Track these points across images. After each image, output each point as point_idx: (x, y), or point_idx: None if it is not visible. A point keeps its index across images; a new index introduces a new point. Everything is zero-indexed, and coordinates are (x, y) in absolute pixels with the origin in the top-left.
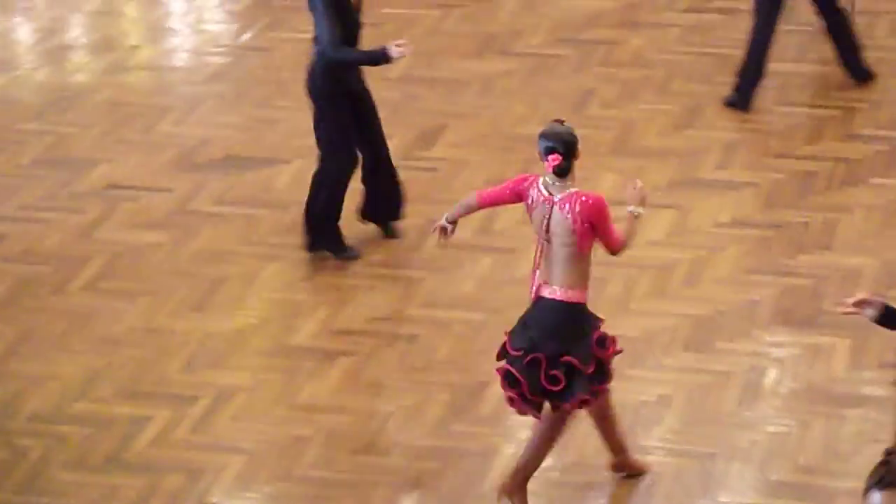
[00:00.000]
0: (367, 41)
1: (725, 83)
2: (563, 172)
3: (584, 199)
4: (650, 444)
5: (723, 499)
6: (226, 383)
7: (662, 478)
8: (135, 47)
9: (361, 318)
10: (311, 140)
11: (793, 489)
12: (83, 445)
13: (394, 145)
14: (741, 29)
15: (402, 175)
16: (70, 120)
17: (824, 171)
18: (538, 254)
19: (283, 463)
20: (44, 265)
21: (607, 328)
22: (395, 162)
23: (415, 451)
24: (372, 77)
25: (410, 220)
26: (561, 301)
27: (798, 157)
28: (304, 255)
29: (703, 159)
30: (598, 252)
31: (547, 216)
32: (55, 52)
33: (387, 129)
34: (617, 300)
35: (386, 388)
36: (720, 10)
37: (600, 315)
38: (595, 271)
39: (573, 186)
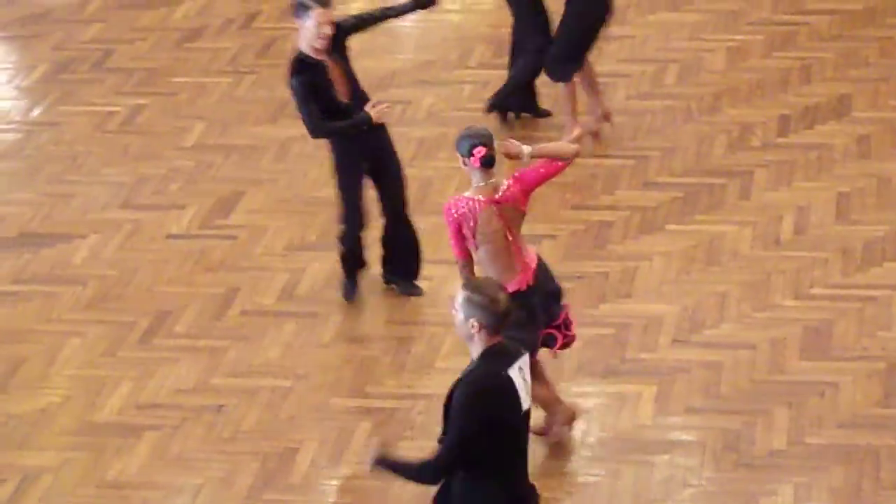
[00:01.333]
0: (159, 109)
1: (517, 137)
2: (490, 161)
3: (511, 183)
4: None
5: None
6: (31, 464)
7: None
8: None
9: (166, 391)
10: (108, 214)
11: None
12: None
13: (191, 214)
14: None
15: (199, 245)
16: None
17: (621, 220)
18: (504, 251)
19: None
20: None
21: (413, 388)
22: (197, 231)
23: None
24: (166, 146)
25: (209, 288)
26: (540, 260)
27: (594, 208)
28: (104, 330)
29: None
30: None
31: (490, 215)
32: None
33: (183, 198)
34: (422, 358)
35: (195, 460)
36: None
37: None
38: (398, 331)
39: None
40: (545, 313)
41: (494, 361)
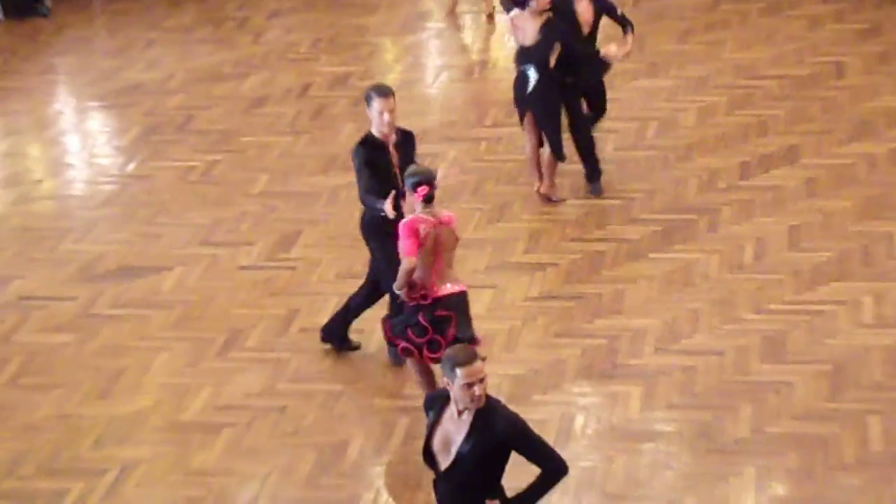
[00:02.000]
0: (231, 164)
1: (528, 183)
2: (431, 199)
3: (450, 217)
4: None
5: None
6: (129, 457)
7: None
8: (39, 181)
9: (239, 395)
10: (190, 250)
11: None
12: None
13: (258, 249)
14: None
15: (265, 275)
16: None
17: (611, 250)
18: (429, 268)
19: None
20: None
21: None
22: (263, 263)
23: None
24: (237, 193)
25: (274, 310)
26: (461, 290)
27: (590, 240)
28: (188, 346)
29: (514, 246)
30: None
31: (435, 235)
32: None
33: (252, 236)
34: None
35: (263, 452)
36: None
37: None
38: None
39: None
40: (434, 327)
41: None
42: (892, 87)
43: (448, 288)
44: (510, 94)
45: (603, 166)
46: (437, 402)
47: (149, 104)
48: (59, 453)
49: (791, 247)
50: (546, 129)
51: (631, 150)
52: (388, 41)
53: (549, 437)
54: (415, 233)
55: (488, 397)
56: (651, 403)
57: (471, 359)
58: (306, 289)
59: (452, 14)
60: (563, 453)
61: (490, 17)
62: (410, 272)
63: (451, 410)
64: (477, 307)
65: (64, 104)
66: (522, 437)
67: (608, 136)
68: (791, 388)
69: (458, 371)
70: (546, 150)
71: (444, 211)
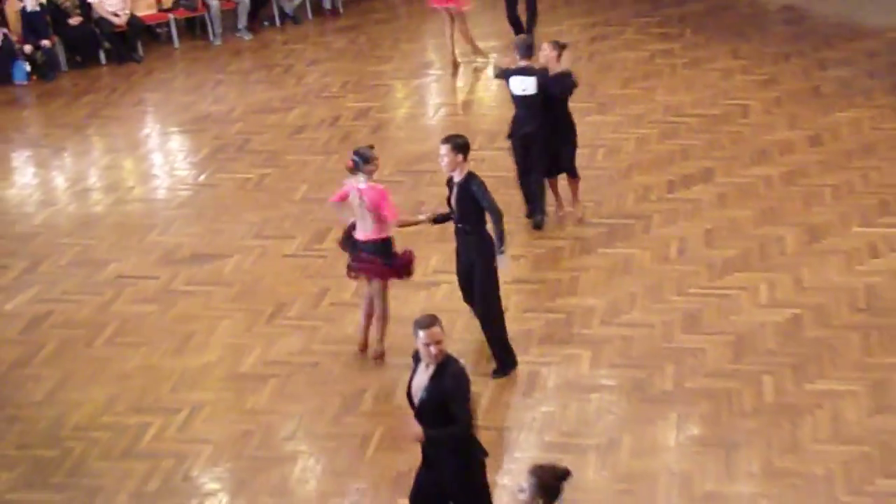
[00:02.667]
0: (278, 176)
1: (505, 193)
2: (352, 171)
3: (367, 188)
4: None
5: (517, 454)
6: (198, 399)
7: None
8: (131, 188)
9: (283, 353)
10: (246, 242)
11: (559, 447)
12: (108, 444)
13: (297, 242)
14: None
15: (304, 261)
16: (91, 235)
17: (568, 246)
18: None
19: (237, 448)
20: (78, 329)
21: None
22: (303, 252)
23: (319, 436)
24: (282, 199)
25: (310, 288)
26: (365, 241)
27: (552, 238)
28: (243, 315)
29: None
30: (431, 302)
31: (357, 197)
32: (80, 193)
33: (293, 231)
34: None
35: (300, 396)
36: (502, 148)
37: None
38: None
39: (363, 180)
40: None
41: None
42: (785, 124)
43: (360, 236)
44: (492, 125)
45: (563, 182)
46: (418, 355)
47: (216, 130)
48: (144, 396)
49: (706, 245)
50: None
51: (584, 169)
52: (400, 83)
53: (519, 388)
54: (344, 193)
55: (448, 356)
56: (598, 363)
57: (429, 324)
58: (334, 272)
59: (454, 63)
60: (529, 401)
61: (455, 65)
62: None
63: (423, 363)
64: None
65: (151, 129)
66: (456, 393)
67: (598, 150)
68: (704, 353)
69: (420, 332)
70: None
71: (370, 185)
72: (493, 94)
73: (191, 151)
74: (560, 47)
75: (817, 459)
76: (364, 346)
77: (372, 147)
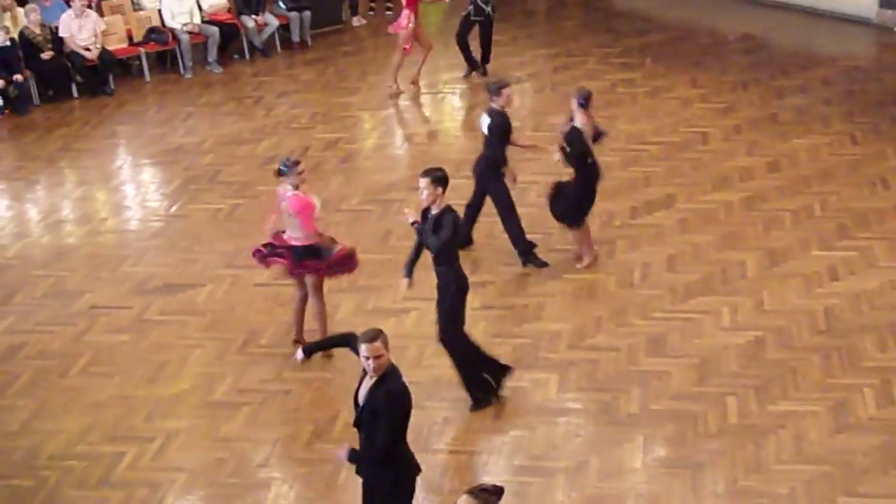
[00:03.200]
0: (249, 208)
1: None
2: (278, 175)
3: (292, 196)
4: (440, 448)
5: (486, 478)
6: (172, 427)
7: (448, 469)
8: (104, 219)
9: (255, 381)
10: (218, 271)
11: (529, 470)
12: (83, 473)
13: (269, 272)
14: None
15: (275, 290)
16: (65, 267)
17: (535, 271)
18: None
19: (211, 476)
20: (53, 360)
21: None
22: (272, 282)
23: (292, 462)
24: (254, 230)
25: (280, 316)
26: (298, 245)
27: (518, 265)
28: (216, 344)
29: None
30: (400, 328)
31: (284, 202)
32: (53, 225)
33: None
34: (412, 361)
35: (273, 424)
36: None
37: None
38: (399, 342)
39: (291, 189)
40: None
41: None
42: (744, 151)
43: (288, 239)
44: (456, 155)
45: (529, 209)
46: None
47: (187, 161)
48: (118, 425)
49: (669, 270)
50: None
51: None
52: (367, 114)
53: (489, 413)
54: (279, 200)
55: (391, 371)
56: (565, 387)
57: (371, 338)
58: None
59: (415, 84)
60: (498, 423)
61: (394, 96)
62: (274, 226)
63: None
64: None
65: (123, 161)
66: (385, 409)
67: (532, 186)
68: (669, 376)
69: (361, 346)
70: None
71: (294, 194)
72: (457, 124)
73: (163, 182)
74: (583, 99)
75: (781, 479)
76: (301, 338)
77: (298, 162)
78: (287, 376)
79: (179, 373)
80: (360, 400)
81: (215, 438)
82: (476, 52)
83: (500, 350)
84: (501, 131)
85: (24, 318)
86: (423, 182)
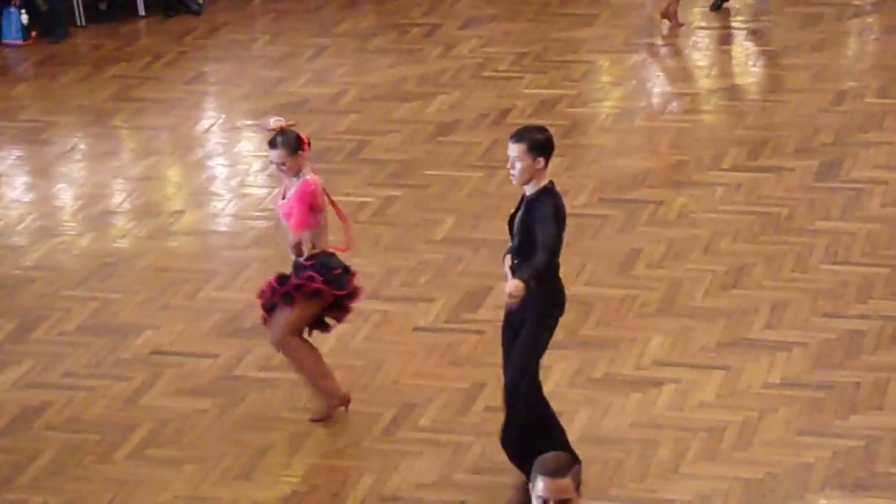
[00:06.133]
0: (411, 201)
1: (771, 241)
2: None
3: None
4: None
5: None
6: None
7: None
8: (178, 212)
9: (408, 485)
10: (357, 304)
11: None
12: None
13: (438, 307)
14: (786, 187)
15: (446, 339)
16: (114, 286)
17: (874, 329)
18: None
19: None
20: (89, 433)
21: (658, 492)
22: (444, 325)
23: None
24: (416, 238)
25: (454, 383)
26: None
27: (847, 317)
28: (349, 420)
29: (752, 319)
30: (648, 412)
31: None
32: (98, 219)
33: (431, 291)
34: (668, 463)
35: None
36: (764, 169)
37: None
38: (644, 433)
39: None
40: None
41: None
42: None
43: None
44: (755, 132)
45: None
46: None
47: (315, 125)
48: None
49: None
50: None
51: None
52: (606, 60)
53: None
54: (314, 195)
55: None
56: None
57: (556, 472)
58: (496, 358)
59: (675, 25)
60: None
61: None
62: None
63: None
64: (705, 393)
65: (212, 121)
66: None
67: (874, 189)
68: None
69: (539, 481)
70: None
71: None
72: (755, 81)
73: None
74: None
75: None
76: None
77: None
78: (460, 479)
79: (288, 465)
80: None
81: None
82: None
83: (813, 455)
84: None
85: (49, 366)
86: (514, 149)
